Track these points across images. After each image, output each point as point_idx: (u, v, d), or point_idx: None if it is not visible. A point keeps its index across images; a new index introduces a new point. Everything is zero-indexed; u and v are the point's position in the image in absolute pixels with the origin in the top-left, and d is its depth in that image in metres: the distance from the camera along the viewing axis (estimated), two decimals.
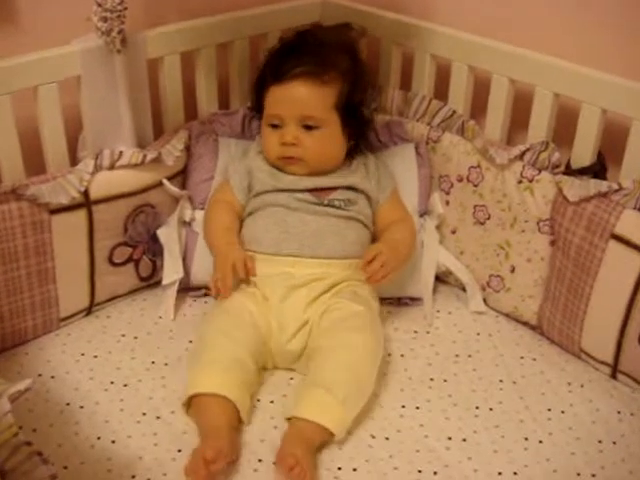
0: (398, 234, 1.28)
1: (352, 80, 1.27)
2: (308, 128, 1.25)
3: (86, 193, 1.21)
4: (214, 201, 1.32)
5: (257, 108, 1.33)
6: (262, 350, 1.16)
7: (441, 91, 1.38)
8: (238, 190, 1.30)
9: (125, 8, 1.20)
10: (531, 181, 1.24)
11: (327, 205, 1.26)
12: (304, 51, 1.25)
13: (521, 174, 1.25)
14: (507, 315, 1.35)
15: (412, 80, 1.41)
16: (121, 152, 1.24)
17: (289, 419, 1.07)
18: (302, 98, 1.24)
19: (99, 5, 1.19)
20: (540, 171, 1.23)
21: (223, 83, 1.43)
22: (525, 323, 1.33)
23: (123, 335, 1.28)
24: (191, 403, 1.08)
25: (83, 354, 1.23)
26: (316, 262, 1.23)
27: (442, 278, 1.42)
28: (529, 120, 1.27)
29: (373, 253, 1.19)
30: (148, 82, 1.31)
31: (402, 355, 1.26)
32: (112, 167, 1.24)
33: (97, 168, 1.23)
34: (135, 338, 1.27)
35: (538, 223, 1.24)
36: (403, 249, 1.27)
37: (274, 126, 1.27)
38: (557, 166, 1.21)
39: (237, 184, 1.30)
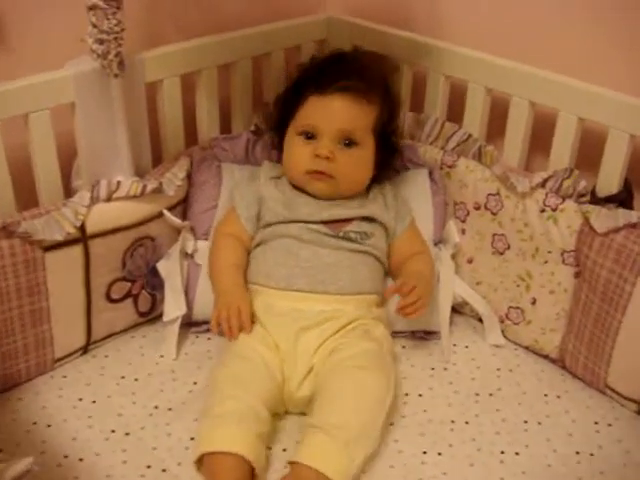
0: (423, 267, 1.23)
1: (389, 107, 1.23)
2: (346, 145, 1.19)
3: (82, 227, 1.13)
4: (220, 234, 1.24)
5: (281, 121, 1.26)
6: (277, 398, 1.09)
7: (455, 113, 1.32)
8: (246, 220, 1.23)
9: (123, 29, 1.13)
10: (555, 210, 1.17)
11: (342, 238, 1.20)
12: (348, 67, 1.21)
13: (544, 202, 1.18)
14: (527, 348, 1.28)
15: (424, 101, 1.35)
16: (119, 183, 1.17)
17: (291, 463, 1.00)
18: (346, 112, 1.18)
19: (95, 26, 1.11)
20: (564, 199, 1.17)
21: (224, 106, 1.36)
22: (545, 356, 1.26)
23: (123, 377, 1.20)
24: (202, 460, 1.00)
25: (81, 399, 1.15)
26: (328, 298, 1.16)
27: (457, 309, 1.35)
28: (549, 144, 1.22)
29: (410, 286, 1.14)
30: (146, 107, 1.23)
31: (420, 395, 1.19)
32: (109, 199, 1.16)
33: (93, 200, 1.15)
34: (136, 380, 1.20)
35: (562, 254, 1.18)
36: (431, 282, 1.23)
37: (307, 137, 1.20)
38: (583, 195, 1.15)
39: (244, 213, 1.23)
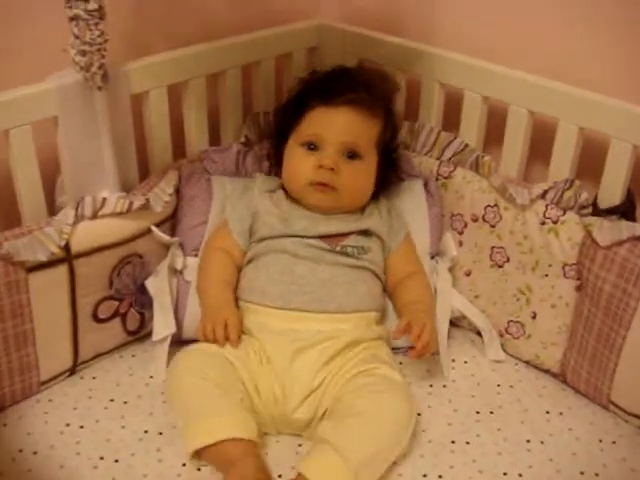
0: (422, 292, 1.21)
1: (392, 124, 1.22)
2: (350, 157, 1.17)
3: (67, 247, 1.09)
4: (210, 249, 1.20)
5: (280, 132, 1.23)
6: (246, 405, 1.05)
7: (450, 122, 1.28)
8: (238, 235, 1.19)
9: (106, 40, 1.08)
10: (555, 222, 1.14)
11: (339, 252, 1.16)
12: (355, 81, 1.18)
13: (544, 215, 1.15)
14: (527, 362, 1.25)
15: (419, 110, 1.31)
16: (104, 199, 1.12)
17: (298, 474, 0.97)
18: (350, 125, 1.16)
19: (77, 37, 1.07)
20: (565, 211, 1.13)
21: (213, 117, 1.32)
22: (546, 371, 1.23)
23: (111, 400, 1.16)
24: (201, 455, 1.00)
25: (68, 424, 1.11)
26: (325, 317, 1.12)
27: (455, 322, 1.31)
28: (548, 154, 1.18)
29: (420, 326, 1.11)
30: (132, 119, 1.19)
31: (419, 414, 1.14)
32: (95, 216, 1.12)
33: (78, 218, 1.10)
34: (125, 403, 1.15)
35: (563, 267, 1.15)
36: (432, 307, 1.21)
37: (310, 148, 1.17)
38: (584, 207, 1.12)
39: (237, 227, 1.20)
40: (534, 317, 1.21)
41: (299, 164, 1.18)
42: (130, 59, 1.18)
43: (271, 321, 1.12)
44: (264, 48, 1.32)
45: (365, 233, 1.19)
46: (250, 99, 1.36)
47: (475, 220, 1.24)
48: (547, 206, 1.15)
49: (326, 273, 1.14)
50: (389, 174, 1.26)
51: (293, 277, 1.13)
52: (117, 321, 1.22)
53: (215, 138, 1.34)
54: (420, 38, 1.29)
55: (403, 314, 1.17)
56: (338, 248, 1.16)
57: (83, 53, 1.08)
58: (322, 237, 1.16)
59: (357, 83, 1.18)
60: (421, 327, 1.11)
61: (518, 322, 1.23)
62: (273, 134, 1.26)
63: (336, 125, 1.16)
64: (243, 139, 1.30)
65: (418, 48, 1.27)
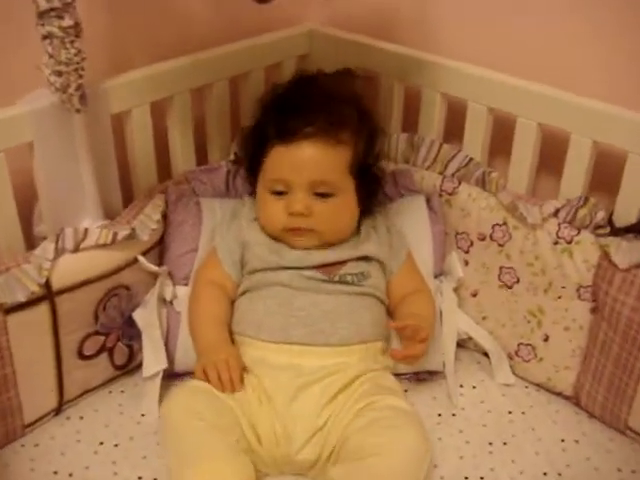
0: (422, 307, 1.12)
1: (366, 137, 1.10)
2: (320, 196, 1.07)
3: (47, 284, 1.01)
4: (200, 282, 1.13)
5: (250, 167, 1.14)
6: (243, 447, 0.98)
7: (453, 134, 1.21)
8: (229, 266, 1.12)
9: (83, 59, 1.00)
10: (569, 242, 1.07)
11: (338, 282, 1.08)
12: (312, 105, 1.06)
13: (557, 234, 1.08)
14: (537, 385, 1.19)
15: (419, 121, 1.24)
16: (86, 230, 1.04)
17: None
18: (315, 162, 1.05)
19: (51, 56, 0.98)
20: (579, 231, 1.07)
21: (199, 134, 1.24)
22: (558, 393, 1.17)
23: (101, 443, 1.08)
24: None
25: (56, 472, 1.03)
26: (329, 351, 1.05)
27: (460, 343, 1.24)
28: (559, 168, 1.12)
29: (415, 327, 1.04)
30: (113, 141, 1.11)
31: None
32: (77, 249, 1.04)
33: (59, 252, 1.02)
34: (116, 446, 1.08)
35: (578, 289, 1.08)
36: (432, 324, 1.12)
37: (278, 193, 1.08)
38: (600, 226, 1.05)
39: (227, 258, 1.12)
40: (546, 340, 1.15)
41: (270, 211, 1.09)
42: (109, 76, 1.10)
43: (270, 356, 1.04)
44: (252, 58, 1.24)
45: (364, 258, 1.12)
46: (238, 114, 1.28)
47: (482, 239, 1.17)
48: (560, 225, 1.08)
49: (328, 304, 1.07)
50: (374, 187, 1.16)
51: (291, 309, 1.06)
52: (104, 356, 1.14)
53: (202, 157, 1.26)
54: (417, 45, 1.22)
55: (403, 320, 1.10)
56: (337, 278, 1.09)
57: (59, 74, 1.00)
58: (318, 267, 1.09)
59: (314, 107, 1.06)
60: (424, 335, 1.04)
61: (529, 345, 1.17)
62: (244, 167, 1.17)
63: (299, 166, 1.06)
64: (232, 157, 1.22)
65: (418, 56, 1.19)
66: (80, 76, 1.00)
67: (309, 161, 1.05)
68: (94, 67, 1.04)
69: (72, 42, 0.98)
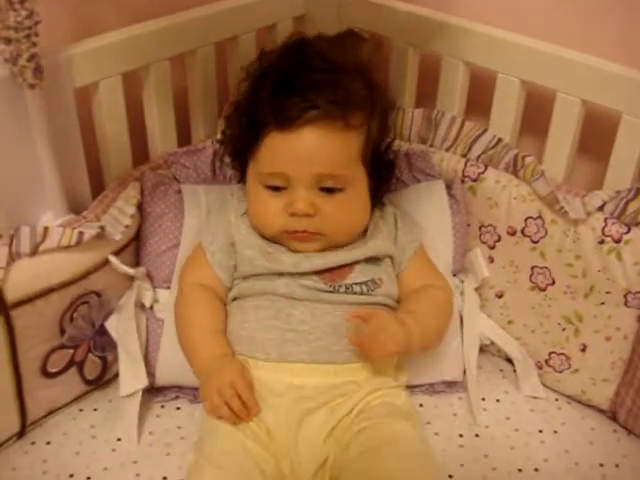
0: (420, 303, 0.95)
1: (379, 117, 0.91)
2: (327, 191, 0.89)
3: (0, 296, 0.85)
4: (187, 284, 0.96)
5: (237, 154, 0.96)
6: None
7: (477, 110, 1.05)
8: (220, 269, 0.95)
9: (37, 22, 0.82)
10: (618, 241, 0.92)
11: (345, 292, 0.92)
12: (313, 80, 0.87)
13: (603, 231, 0.93)
14: (569, 397, 1.06)
15: (437, 95, 1.07)
16: (46, 229, 0.88)
17: None
18: (320, 152, 0.87)
19: None
20: (629, 228, 0.91)
21: (181, 110, 1.08)
22: (591, 406, 1.04)
23: (71, 475, 0.92)
24: None
25: None
26: (335, 369, 0.89)
27: (480, 349, 1.10)
28: (604, 153, 0.96)
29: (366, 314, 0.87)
30: (78, 120, 0.94)
31: (451, 476, 0.95)
32: (35, 252, 0.87)
33: (13, 257, 0.86)
34: (88, 479, 0.92)
35: (625, 296, 0.94)
36: (427, 323, 0.94)
37: (274, 188, 0.91)
38: None
39: (217, 260, 0.95)
40: (583, 350, 1.01)
41: (265, 209, 0.91)
42: (71, 43, 0.93)
43: (264, 375, 0.89)
44: (242, 20, 1.08)
45: (373, 260, 0.96)
46: (226, 85, 1.12)
47: (512, 234, 1.01)
48: (606, 220, 0.93)
49: (332, 315, 0.90)
50: (387, 175, 0.99)
51: (289, 321, 0.90)
52: (73, 371, 0.99)
53: (184, 136, 1.11)
54: (436, 5, 1.04)
55: None
56: (342, 288, 0.92)
57: (7, 41, 0.83)
58: (319, 272, 0.92)
59: (317, 84, 0.86)
60: (362, 314, 0.87)
61: (562, 354, 1.03)
62: (229, 152, 0.99)
63: (300, 157, 0.88)
64: (219, 136, 1.05)
65: (439, 19, 1.02)
66: (33, 44, 0.83)
67: (313, 152, 0.87)
68: (52, 32, 0.87)
69: (22, 2, 0.80)
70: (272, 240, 0.94)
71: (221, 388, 0.86)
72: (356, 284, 0.93)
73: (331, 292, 0.91)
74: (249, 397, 0.86)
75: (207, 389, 0.87)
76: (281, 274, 0.92)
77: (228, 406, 0.85)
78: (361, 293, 0.93)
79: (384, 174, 0.96)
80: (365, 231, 0.97)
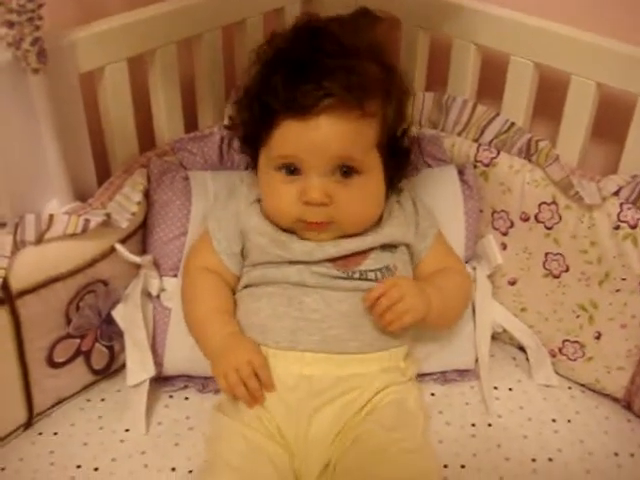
0: (444, 280, 0.95)
1: (395, 102, 0.89)
2: (344, 174, 0.87)
3: (5, 285, 0.84)
4: (193, 269, 0.95)
5: (248, 140, 0.94)
6: None
7: (489, 93, 1.02)
8: (228, 257, 0.94)
9: (40, 5, 0.81)
10: (634, 227, 0.90)
11: (359, 279, 0.90)
12: (327, 66, 0.84)
13: (618, 217, 0.91)
14: (582, 385, 1.04)
15: (448, 77, 1.05)
16: (51, 217, 0.86)
17: None
18: (336, 141, 0.85)
19: (0, 4, 0.79)
20: None
21: (188, 95, 1.06)
22: (606, 395, 1.02)
23: (79, 466, 0.92)
24: None
25: None
26: (347, 359, 0.88)
27: (492, 336, 1.08)
28: (618, 136, 0.93)
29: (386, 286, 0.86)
30: (83, 106, 0.92)
31: (463, 466, 0.93)
32: (40, 241, 0.86)
33: (18, 245, 0.85)
34: (96, 470, 0.91)
35: None
36: (450, 297, 0.94)
37: (289, 172, 0.88)
38: None
39: (225, 248, 0.94)
40: (598, 337, 0.99)
41: (279, 197, 0.89)
42: (76, 26, 0.91)
43: (275, 365, 0.87)
44: (249, 3, 1.05)
45: (388, 246, 0.94)
46: (234, 69, 1.10)
47: (525, 219, 0.99)
48: (622, 205, 0.91)
49: (345, 304, 0.89)
50: (403, 161, 0.97)
51: (302, 310, 0.88)
52: (80, 361, 0.97)
53: (191, 122, 1.09)
54: None
55: None
56: (357, 274, 0.90)
57: (10, 24, 0.80)
58: (333, 260, 0.90)
59: (330, 70, 0.83)
60: (388, 285, 0.86)
61: (576, 342, 1.01)
62: (240, 138, 0.96)
63: (315, 146, 0.85)
64: (227, 122, 1.03)
65: (447, 0, 0.99)
66: (37, 27, 0.81)
67: (328, 139, 0.84)
68: (57, 16, 0.86)
69: None
70: (284, 228, 0.92)
71: (239, 366, 0.84)
72: (370, 271, 0.91)
73: (345, 278, 0.90)
74: (267, 375, 0.85)
75: (222, 366, 0.85)
76: (293, 262, 0.90)
77: (243, 389, 0.84)
78: (375, 280, 0.91)
79: (400, 160, 0.94)
80: (380, 218, 0.95)
